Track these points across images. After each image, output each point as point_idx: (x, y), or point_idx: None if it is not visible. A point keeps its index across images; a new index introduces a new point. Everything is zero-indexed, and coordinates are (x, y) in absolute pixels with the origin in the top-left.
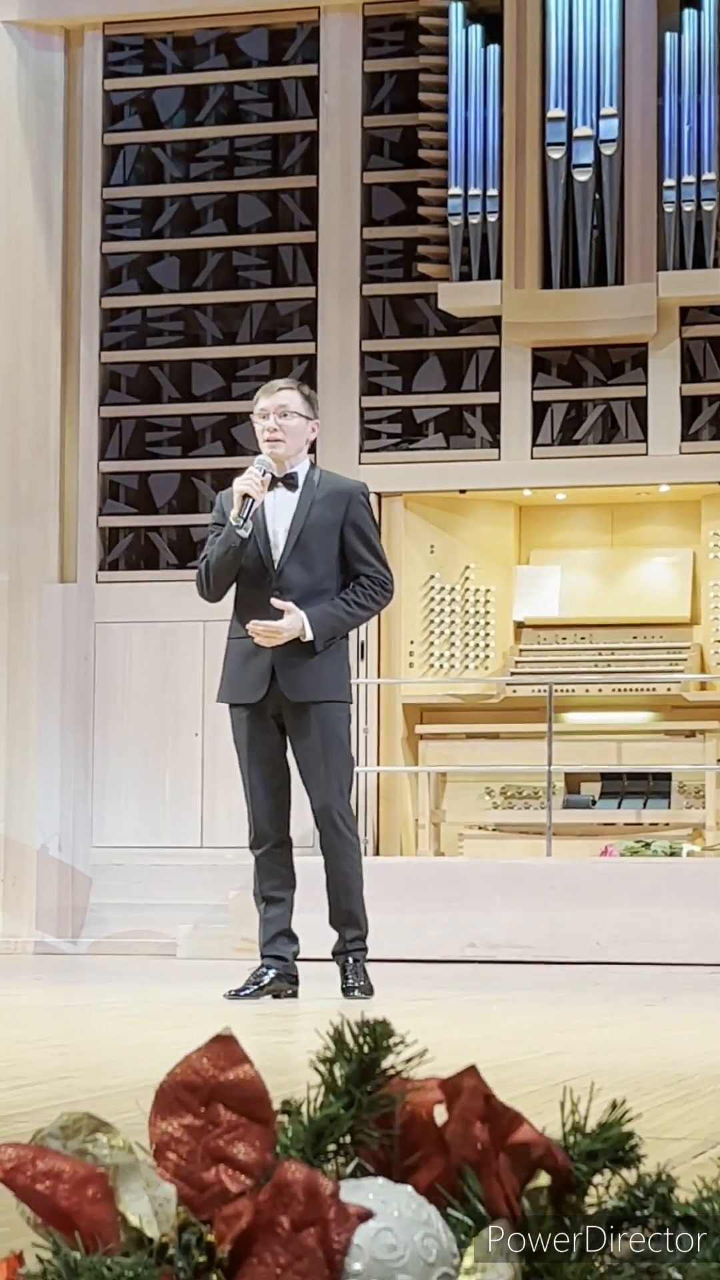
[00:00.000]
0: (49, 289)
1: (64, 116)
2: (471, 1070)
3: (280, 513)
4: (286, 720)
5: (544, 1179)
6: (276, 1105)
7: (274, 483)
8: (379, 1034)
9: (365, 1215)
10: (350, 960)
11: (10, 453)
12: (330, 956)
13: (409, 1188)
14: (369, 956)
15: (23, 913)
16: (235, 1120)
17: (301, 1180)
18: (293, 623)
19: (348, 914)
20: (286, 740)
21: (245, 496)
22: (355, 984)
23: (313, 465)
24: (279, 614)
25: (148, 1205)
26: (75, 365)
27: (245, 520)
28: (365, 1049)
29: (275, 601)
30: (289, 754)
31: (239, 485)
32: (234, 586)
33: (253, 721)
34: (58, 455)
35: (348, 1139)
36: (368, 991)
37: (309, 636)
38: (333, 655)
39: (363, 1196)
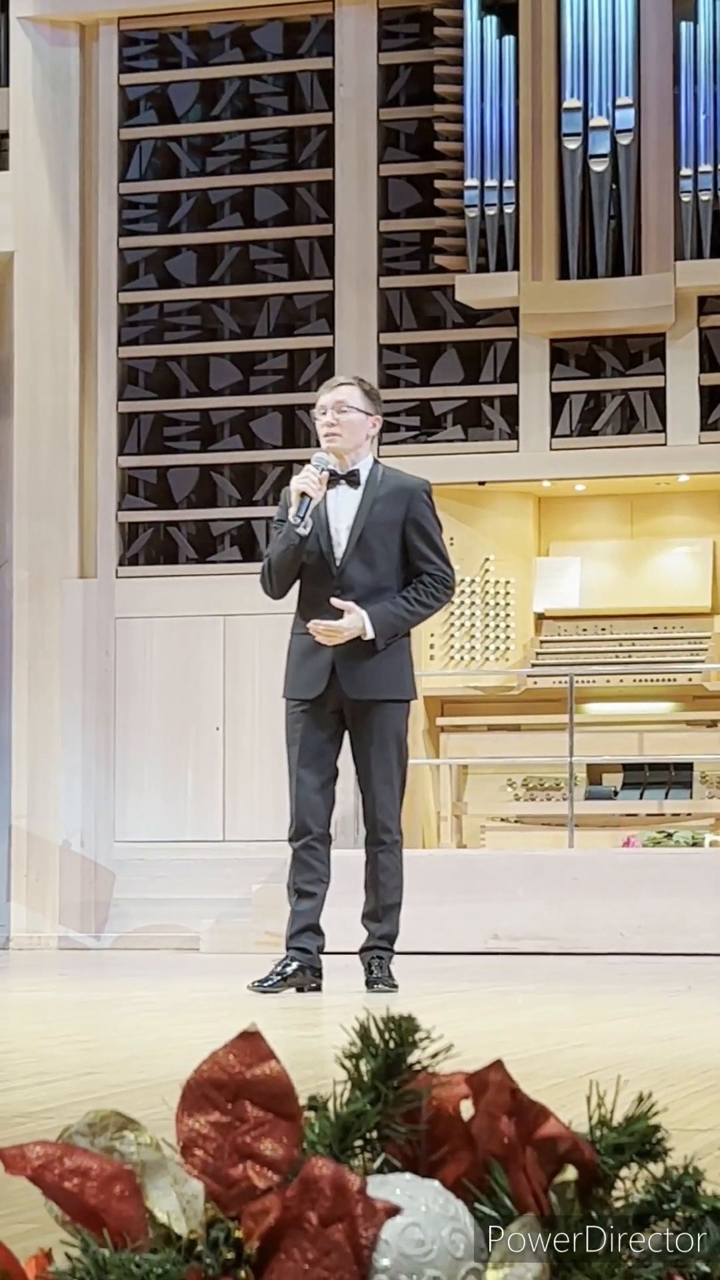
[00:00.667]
0: (66, 285)
1: (79, 112)
2: (498, 1065)
3: (342, 510)
4: (348, 717)
5: (571, 1173)
6: (303, 1101)
7: (335, 479)
8: (405, 1029)
9: (393, 1210)
10: (376, 957)
11: (29, 449)
12: (357, 952)
13: (436, 1183)
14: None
15: (46, 908)
16: (262, 1116)
17: (329, 1176)
18: (353, 622)
19: (384, 912)
20: (341, 738)
21: (303, 495)
22: (380, 977)
23: (376, 462)
24: (339, 613)
25: (175, 1202)
26: (93, 360)
27: (304, 518)
28: (391, 1044)
29: (335, 601)
30: (341, 752)
31: (296, 483)
32: (298, 583)
33: (309, 717)
34: (76, 450)
35: (374, 1134)
36: (392, 986)
37: (370, 635)
38: (394, 653)
39: (390, 1192)
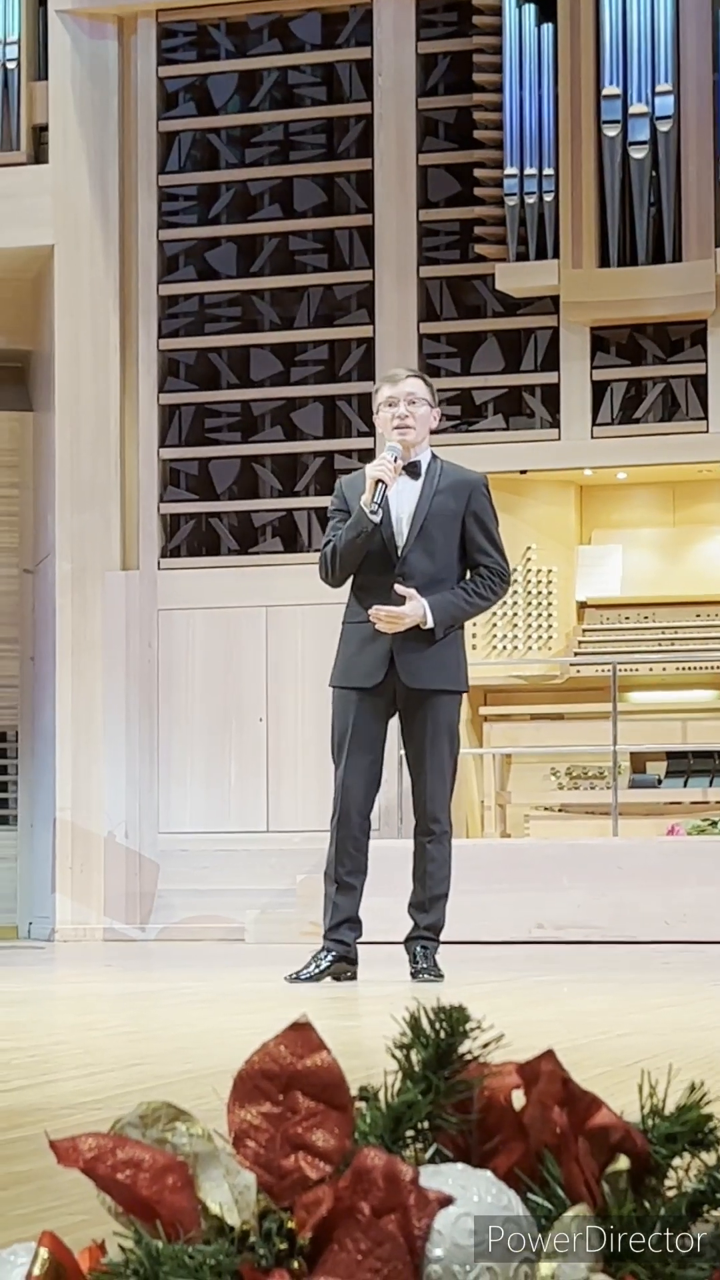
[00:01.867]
0: (106, 277)
1: (119, 104)
2: (549, 1054)
3: (404, 500)
4: (401, 706)
5: (623, 1163)
6: (351, 1092)
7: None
8: (456, 1019)
9: (445, 1201)
10: (422, 947)
11: (71, 441)
12: (402, 942)
13: (488, 1173)
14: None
15: (91, 899)
16: (314, 1107)
17: (381, 1166)
18: (415, 609)
19: (431, 903)
20: (388, 728)
21: (378, 482)
22: (425, 967)
23: (434, 455)
24: (400, 600)
25: (228, 1193)
26: (134, 353)
27: (378, 506)
28: (442, 1034)
29: (399, 588)
30: (389, 741)
31: (371, 470)
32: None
33: (362, 705)
34: (118, 443)
35: (426, 1125)
36: (439, 975)
37: (430, 624)
38: (450, 644)
39: (442, 1182)
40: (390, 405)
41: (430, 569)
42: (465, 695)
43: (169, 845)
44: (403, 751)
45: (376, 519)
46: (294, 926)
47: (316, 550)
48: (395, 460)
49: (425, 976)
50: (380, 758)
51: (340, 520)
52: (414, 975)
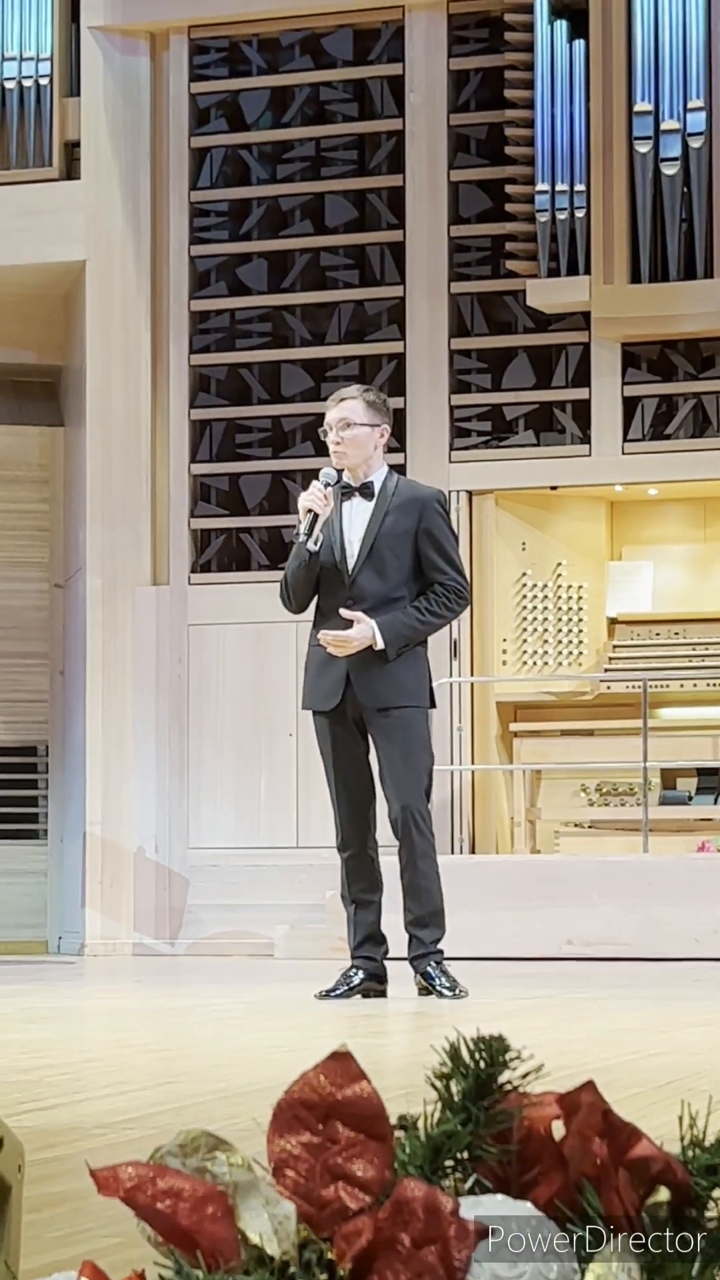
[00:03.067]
0: (138, 293)
1: (151, 120)
2: (589, 1085)
3: (355, 522)
4: (368, 724)
5: (664, 1194)
6: (392, 1120)
7: (350, 492)
8: (495, 1049)
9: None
10: (434, 963)
11: (102, 457)
12: (408, 959)
13: (528, 1204)
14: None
15: (121, 914)
16: (353, 1137)
17: (421, 1197)
18: (362, 632)
19: (431, 915)
20: (368, 744)
21: (309, 511)
22: (447, 984)
23: (390, 472)
24: (347, 624)
25: (268, 1223)
26: (165, 368)
27: (312, 535)
28: (482, 1064)
29: (344, 611)
30: (371, 758)
31: (302, 501)
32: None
33: (334, 728)
34: (149, 458)
35: (466, 1155)
36: (463, 991)
37: (380, 645)
38: (409, 662)
39: (482, 1213)
40: (329, 430)
41: (381, 589)
42: (431, 710)
43: (199, 860)
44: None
45: (314, 547)
46: (323, 942)
47: None
48: (326, 487)
49: (452, 994)
50: (366, 775)
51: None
52: (437, 993)
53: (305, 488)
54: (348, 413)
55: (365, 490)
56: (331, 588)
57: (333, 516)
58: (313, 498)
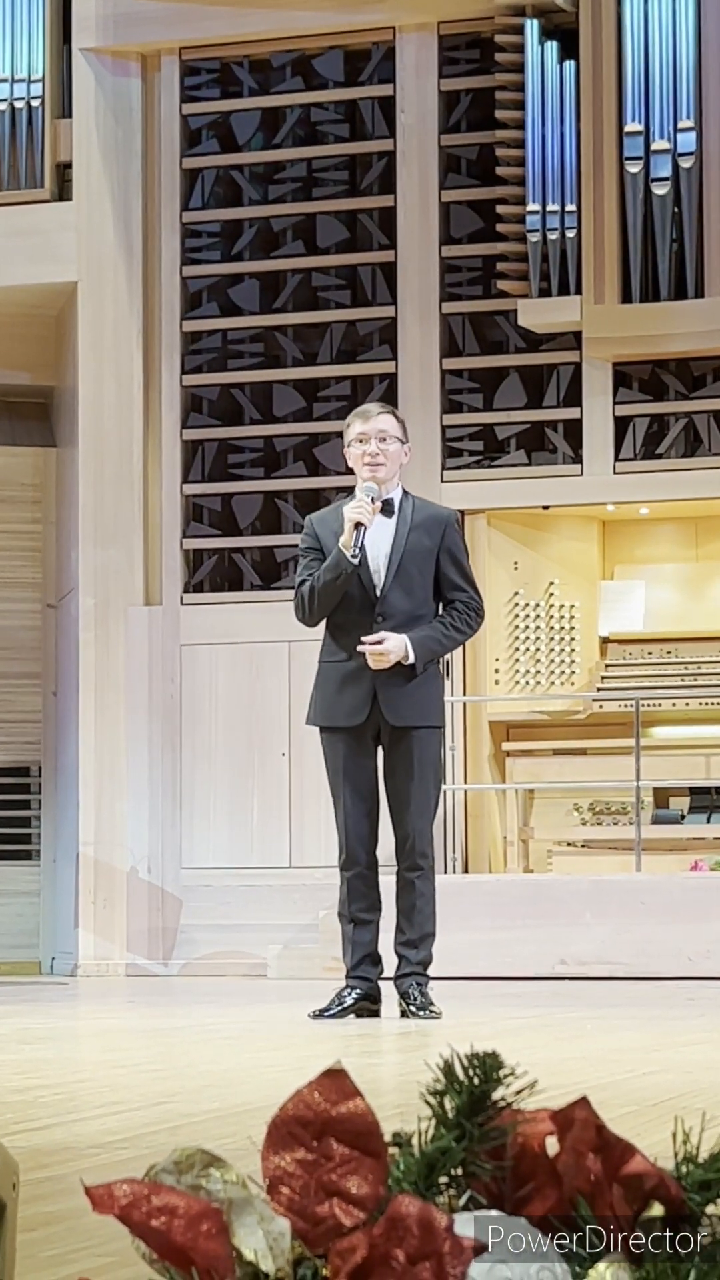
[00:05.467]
0: (130, 313)
1: (142, 142)
2: (583, 1102)
3: (380, 539)
4: (385, 744)
5: (657, 1210)
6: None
7: None
8: (489, 1066)
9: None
10: (416, 984)
11: (94, 477)
12: (392, 978)
13: (523, 1220)
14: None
15: (114, 935)
16: (348, 1154)
17: (415, 1214)
18: (397, 645)
19: (421, 939)
20: (377, 764)
21: (358, 525)
22: (423, 1004)
23: (405, 492)
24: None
25: (262, 1240)
26: (157, 389)
27: (359, 547)
28: (476, 1081)
29: (365, 639)
30: (381, 776)
31: (350, 513)
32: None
33: (349, 745)
34: (141, 478)
35: (460, 1171)
36: (436, 1013)
37: (412, 659)
38: (431, 681)
39: (476, 1229)
40: (361, 442)
41: (409, 606)
42: (444, 731)
43: (192, 880)
44: (384, 786)
45: (356, 561)
46: (317, 962)
47: None
48: (373, 500)
49: (424, 1014)
50: (376, 793)
51: (313, 559)
52: (412, 1013)
53: (298, 508)
54: (386, 426)
55: (386, 507)
56: (356, 604)
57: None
58: (361, 510)
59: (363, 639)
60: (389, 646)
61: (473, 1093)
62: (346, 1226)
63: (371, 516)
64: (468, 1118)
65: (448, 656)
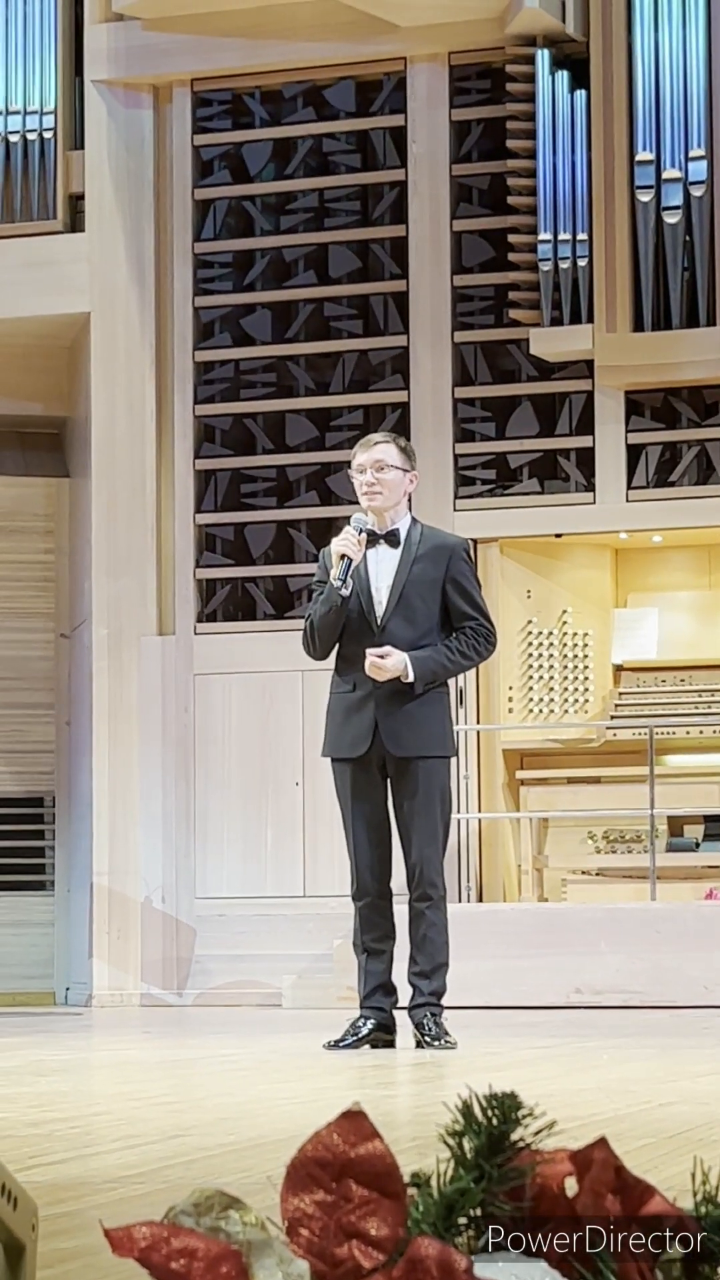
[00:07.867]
0: (142, 344)
1: (154, 173)
2: (602, 1142)
3: (383, 569)
4: (390, 773)
5: (677, 1250)
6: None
7: (375, 539)
8: (508, 1106)
9: None
10: (430, 1014)
11: (107, 507)
12: (406, 1009)
13: (542, 1261)
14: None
15: (128, 965)
16: (367, 1195)
17: (435, 1255)
18: (397, 662)
19: (435, 970)
20: (387, 793)
21: (343, 557)
22: (438, 1034)
23: (414, 521)
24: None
25: None
26: (170, 419)
27: (345, 580)
28: (494, 1122)
29: (370, 651)
30: (390, 806)
31: (336, 546)
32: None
33: (356, 775)
34: (154, 508)
35: (479, 1212)
36: (452, 1043)
37: (410, 677)
38: (435, 709)
39: (496, 1271)
40: (360, 472)
41: (411, 636)
42: (453, 759)
43: (206, 910)
44: (394, 816)
45: (346, 593)
46: (331, 991)
47: None
48: (360, 533)
49: (439, 1044)
50: (385, 823)
51: (321, 591)
52: (427, 1044)
53: (311, 537)
54: (382, 455)
55: (391, 538)
56: (358, 635)
57: (359, 564)
58: (346, 543)
59: (368, 650)
60: (389, 663)
61: (491, 1133)
62: (366, 1269)
63: (358, 549)
64: (487, 1159)
65: (460, 685)
